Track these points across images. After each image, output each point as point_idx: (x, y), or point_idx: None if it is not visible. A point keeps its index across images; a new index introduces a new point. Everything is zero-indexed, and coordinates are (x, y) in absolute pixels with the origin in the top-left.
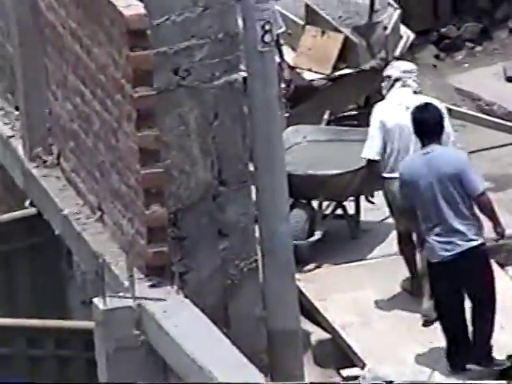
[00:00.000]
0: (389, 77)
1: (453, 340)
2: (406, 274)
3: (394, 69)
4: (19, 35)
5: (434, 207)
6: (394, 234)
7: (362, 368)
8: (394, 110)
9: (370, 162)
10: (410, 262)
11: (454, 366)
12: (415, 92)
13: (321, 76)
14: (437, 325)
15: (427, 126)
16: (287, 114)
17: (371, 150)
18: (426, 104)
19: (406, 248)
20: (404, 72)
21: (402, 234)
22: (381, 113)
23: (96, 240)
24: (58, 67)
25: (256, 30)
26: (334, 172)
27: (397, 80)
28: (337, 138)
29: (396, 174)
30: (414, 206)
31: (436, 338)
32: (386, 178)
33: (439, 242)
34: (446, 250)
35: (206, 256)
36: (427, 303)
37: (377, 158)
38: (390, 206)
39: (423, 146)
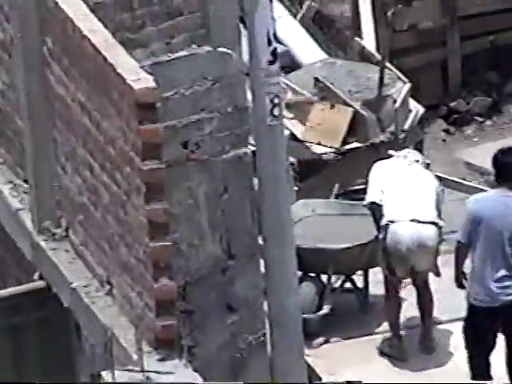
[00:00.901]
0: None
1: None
2: (414, 348)
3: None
4: (28, 108)
5: (500, 251)
6: (403, 308)
7: None
8: (396, 163)
9: (373, 206)
10: (394, 318)
11: None
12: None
13: (330, 150)
14: None
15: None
16: (296, 188)
17: (372, 194)
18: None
19: (394, 301)
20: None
21: (394, 283)
22: (382, 165)
23: (105, 313)
24: (67, 140)
25: (265, 104)
26: (343, 246)
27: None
28: (346, 212)
29: (398, 217)
30: (471, 244)
31: None
32: (388, 225)
33: (502, 287)
34: (507, 295)
35: (215, 330)
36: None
37: (378, 201)
38: (387, 253)
39: (501, 187)
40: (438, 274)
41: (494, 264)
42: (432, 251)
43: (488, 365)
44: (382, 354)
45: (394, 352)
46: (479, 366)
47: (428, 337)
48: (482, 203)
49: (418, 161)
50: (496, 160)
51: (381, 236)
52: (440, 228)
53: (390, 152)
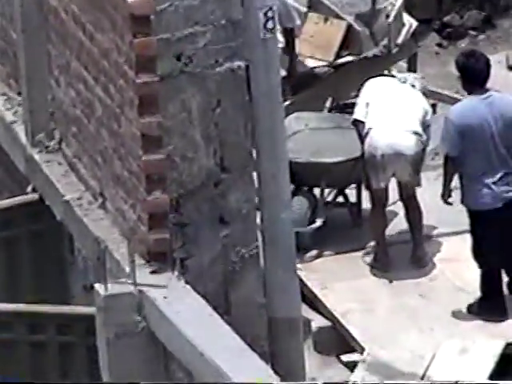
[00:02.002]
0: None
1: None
2: (407, 260)
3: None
4: (22, 21)
5: (495, 152)
6: (395, 222)
7: (362, 353)
8: (388, 81)
9: (357, 122)
10: (380, 232)
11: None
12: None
13: (323, 63)
14: (438, 311)
15: (481, 71)
16: (289, 101)
17: (357, 111)
18: (473, 51)
19: (378, 215)
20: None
21: (377, 194)
22: (373, 82)
23: (98, 226)
24: (60, 53)
25: (258, 17)
26: (336, 159)
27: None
28: (339, 125)
29: (378, 124)
30: (460, 152)
31: (437, 324)
32: (368, 132)
33: (502, 187)
34: (508, 192)
35: (208, 242)
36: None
37: (362, 118)
38: (364, 160)
39: (476, 92)
40: (418, 184)
41: (491, 168)
42: (410, 161)
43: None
44: (372, 268)
45: (379, 265)
46: (493, 277)
47: (419, 250)
48: (466, 112)
49: (413, 86)
50: (464, 65)
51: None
52: (422, 139)
53: (394, 73)
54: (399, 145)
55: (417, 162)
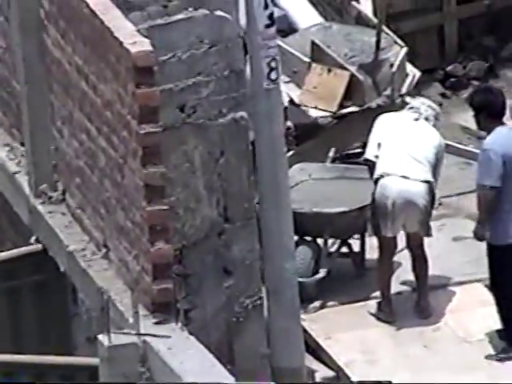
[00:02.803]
0: (411, 107)
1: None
2: (411, 312)
3: (421, 103)
4: (25, 72)
5: None
6: (398, 272)
7: None
8: (401, 117)
9: (369, 162)
10: (386, 281)
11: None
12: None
13: (326, 114)
14: (441, 361)
15: (502, 104)
16: (292, 152)
17: (368, 150)
18: (489, 86)
19: (386, 265)
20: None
21: (386, 243)
22: (385, 118)
23: (101, 277)
24: (63, 104)
25: (262, 68)
26: (340, 210)
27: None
28: (342, 175)
29: (389, 171)
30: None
31: (440, 375)
32: (379, 179)
33: None
34: None
35: (211, 293)
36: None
37: (372, 158)
38: (374, 208)
39: (497, 125)
40: (428, 235)
41: None
42: (421, 210)
43: None
44: (376, 318)
45: (384, 316)
46: None
47: (423, 301)
48: (505, 142)
49: (427, 118)
50: (484, 101)
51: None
52: (432, 188)
53: (407, 99)
54: (410, 193)
55: (427, 211)
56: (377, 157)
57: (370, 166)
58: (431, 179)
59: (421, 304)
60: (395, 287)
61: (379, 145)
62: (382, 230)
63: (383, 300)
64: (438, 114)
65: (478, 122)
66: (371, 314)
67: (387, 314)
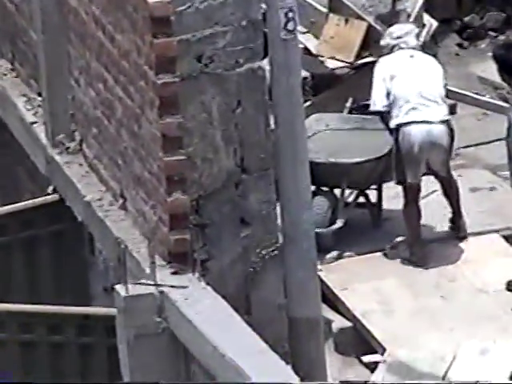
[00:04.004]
0: (386, 46)
1: None
2: (429, 263)
3: (389, 37)
4: (42, 21)
5: None
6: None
7: (382, 354)
8: (397, 60)
9: (379, 113)
10: (415, 225)
11: None
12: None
13: (344, 64)
14: (458, 312)
15: None
16: (310, 102)
17: (376, 101)
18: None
19: (413, 209)
20: (398, 38)
21: (413, 188)
22: (383, 64)
23: (118, 227)
24: (80, 54)
25: (279, 18)
26: (357, 160)
27: (394, 46)
28: (359, 126)
29: (408, 119)
30: None
31: (457, 325)
32: (398, 127)
33: None
34: None
35: (228, 243)
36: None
37: (382, 109)
38: (399, 156)
39: None
40: (448, 172)
41: None
42: (444, 150)
43: None
44: (403, 260)
45: (416, 259)
46: None
47: (459, 220)
48: None
49: (414, 47)
50: (504, 58)
51: (393, 138)
52: (451, 126)
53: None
54: (433, 136)
55: (450, 150)
56: (387, 106)
57: (382, 116)
58: (449, 117)
59: (458, 224)
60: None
61: (388, 94)
62: (408, 176)
63: (414, 243)
64: (418, 32)
65: (501, 75)
66: (402, 258)
67: (420, 257)
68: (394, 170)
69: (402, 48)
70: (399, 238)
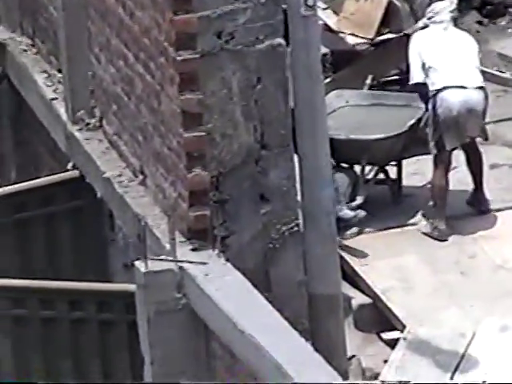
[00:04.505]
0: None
1: None
2: (449, 239)
3: (425, 17)
4: None
5: None
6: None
7: (402, 331)
8: (431, 33)
9: (418, 85)
10: (442, 197)
11: None
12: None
13: (364, 40)
14: (478, 288)
15: None
16: (330, 79)
17: (415, 75)
18: None
19: (443, 180)
20: (431, 17)
21: (446, 158)
22: (417, 39)
23: (138, 203)
24: (100, 30)
25: None
26: (377, 136)
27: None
28: (379, 102)
29: (445, 83)
30: None
31: (477, 302)
32: (435, 93)
33: None
34: None
35: (248, 220)
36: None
37: (422, 80)
38: (437, 122)
39: None
40: (486, 138)
41: None
42: (481, 116)
43: None
44: (425, 234)
45: (438, 234)
46: None
47: (481, 194)
48: None
49: (452, 19)
50: None
51: (430, 106)
52: (486, 92)
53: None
54: (471, 102)
55: (485, 116)
56: (424, 78)
57: (420, 89)
58: (483, 83)
59: (479, 198)
60: None
61: (424, 65)
62: (446, 143)
63: (438, 216)
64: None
65: None
66: (423, 233)
67: (441, 231)
68: (431, 139)
69: (435, 23)
70: (418, 215)
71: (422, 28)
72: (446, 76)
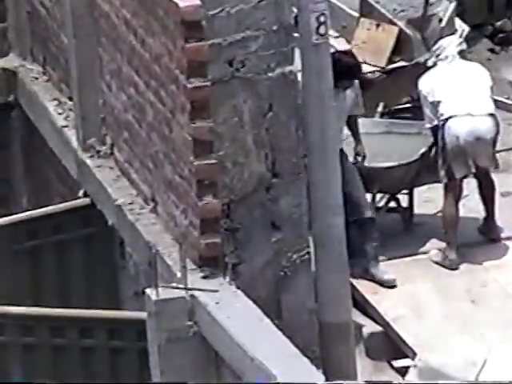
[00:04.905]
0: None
1: None
2: (460, 268)
3: (433, 57)
4: (74, 25)
5: None
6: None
7: (413, 359)
8: (438, 71)
9: (434, 128)
10: (453, 227)
11: None
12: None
13: (375, 68)
14: (489, 316)
15: None
16: None
17: (429, 118)
18: None
19: (453, 209)
20: (437, 56)
21: (456, 187)
22: (425, 80)
23: (149, 231)
24: (112, 57)
25: (310, 22)
26: (388, 164)
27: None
28: (391, 130)
29: (452, 112)
30: None
31: (488, 330)
32: (443, 122)
33: None
34: None
35: (259, 247)
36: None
37: (436, 123)
38: (445, 151)
39: None
40: (496, 167)
41: None
42: (490, 144)
43: None
44: (436, 263)
45: (448, 263)
46: None
47: (492, 222)
48: None
49: (459, 52)
50: None
51: (439, 136)
52: (497, 119)
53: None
54: (479, 130)
55: (495, 144)
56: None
57: (435, 131)
58: (494, 111)
59: (490, 226)
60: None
61: (434, 103)
62: (455, 172)
63: (450, 246)
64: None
65: None
66: (434, 262)
67: (452, 261)
68: (440, 168)
69: (442, 60)
70: (430, 243)
71: (431, 67)
72: (452, 106)
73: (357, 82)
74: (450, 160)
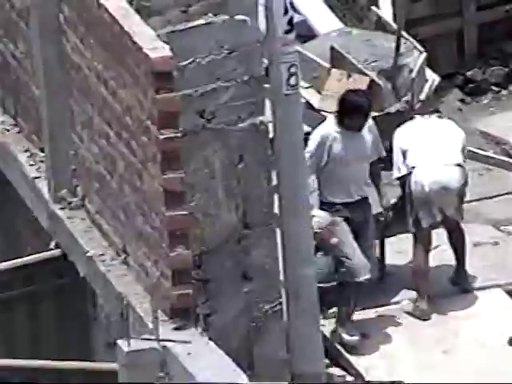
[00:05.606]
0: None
1: None
2: (432, 318)
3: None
4: (45, 77)
5: None
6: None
7: None
8: (411, 126)
9: (400, 179)
10: (423, 278)
11: None
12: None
13: None
14: (461, 367)
15: None
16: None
17: (397, 168)
18: None
19: (423, 260)
20: None
21: (425, 236)
22: (399, 134)
23: (121, 282)
24: (83, 109)
25: (281, 73)
26: None
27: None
28: None
29: (419, 162)
30: None
31: (460, 380)
32: (411, 171)
33: None
34: None
35: (231, 298)
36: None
37: (404, 173)
38: (412, 200)
39: None
40: (462, 218)
41: None
42: (456, 194)
43: None
44: (407, 313)
45: (419, 313)
46: None
47: (462, 271)
48: None
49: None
50: None
51: (406, 184)
52: (465, 171)
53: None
54: (445, 179)
55: (462, 194)
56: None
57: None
58: (462, 162)
59: (461, 276)
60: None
61: (404, 154)
62: (421, 220)
63: (421, 297)
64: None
65: None
66: (406, 313)
67: (423, 311)
68: (408, 217)
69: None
70: (401, 293)
71: (401, 116)
72: (420, 155)
73: (372, 122)
74: (416, 208)
